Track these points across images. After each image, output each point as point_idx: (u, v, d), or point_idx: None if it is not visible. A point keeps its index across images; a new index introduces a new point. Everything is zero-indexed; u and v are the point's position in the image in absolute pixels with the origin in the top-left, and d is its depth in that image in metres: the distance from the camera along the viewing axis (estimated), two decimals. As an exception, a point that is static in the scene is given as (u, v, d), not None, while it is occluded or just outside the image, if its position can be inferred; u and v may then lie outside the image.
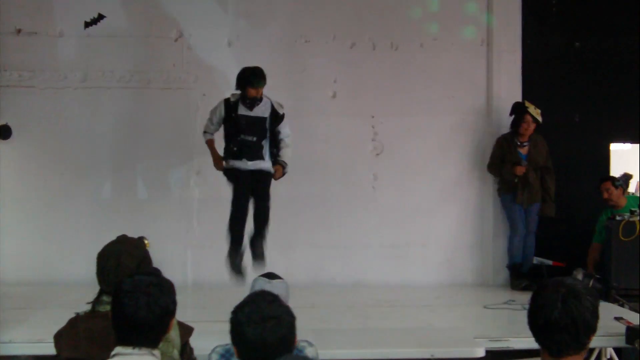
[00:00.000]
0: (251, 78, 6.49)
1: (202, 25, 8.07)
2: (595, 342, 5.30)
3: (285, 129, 6.71)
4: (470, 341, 5.40)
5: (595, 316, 2.57)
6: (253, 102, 6.54)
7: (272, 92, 7.60)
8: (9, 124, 7.73)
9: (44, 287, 7.28)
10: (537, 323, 2.58)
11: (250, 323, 2.59)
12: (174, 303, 2.86)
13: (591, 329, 2.56)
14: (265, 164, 6.63)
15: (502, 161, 7.83)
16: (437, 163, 8.23)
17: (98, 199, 7.88)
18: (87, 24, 7.94)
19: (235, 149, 6.56)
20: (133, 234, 3.67)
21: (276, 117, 6.65)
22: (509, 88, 8.22)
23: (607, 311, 6.23)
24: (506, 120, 8.00)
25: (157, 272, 3.31)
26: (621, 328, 5.48)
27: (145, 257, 3.49)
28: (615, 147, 8.61)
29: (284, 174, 6.71)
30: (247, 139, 6.56)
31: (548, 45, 8.41)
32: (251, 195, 6.62)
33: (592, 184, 7.86)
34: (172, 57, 8.04)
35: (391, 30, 8.23)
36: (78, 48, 7.94)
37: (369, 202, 8.17)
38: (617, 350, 6.10)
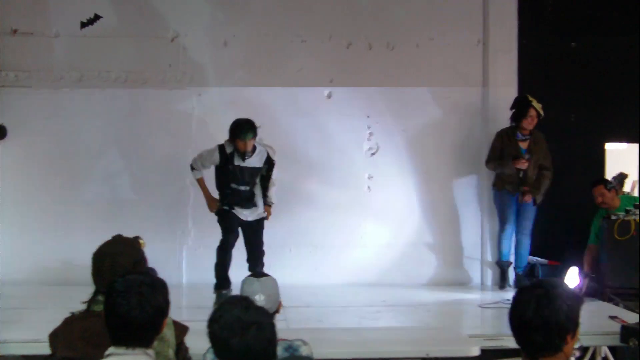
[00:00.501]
0: (238, 131, 6.48)
1: (198, 25, 8.08)
2: (590, 340, 5.35)
3: (274, 173, 6.81)
4: (465, 340, 5.41)
5: (570, 319, 2.55)
6: (244, 155, 6.54)
7: (269, 92, 7.66)
8: (5, 124, 7.72)
9: (39, 287, 7.29)
10: (513, 323, 2.59)
11: (233, 334, 2.55)
12: (166, 303, 2.85)
13: (565, 331, 2.54)
14: (259, 211, 6.76)
15: (501, 156, 7.70)
16: (432, 163, 8.25)
17: (94, 199, 7.88)
18: (83, 25, 7.94)
19: (228, 198, 6.63)
20: (128, 233, 3.67)
21: (271, 165, 6.74)
22: (505, 88, 8.23)
23: (602, 310, 6.29)
24: (502, 120, 8.01)
25: (152, 272, 3.31)
26: (616, 327, 5.50)
27: (140, 257, 3.48)
28: (610, 147, 8.63)
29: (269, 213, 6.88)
30: (240, 189, 6.62)
31: (544, 45, 8.43)
32: (245, 243, 6.74)
33: (587, 183, 7.86)
34: (168, 57, 8.04)
35: (387, 30, 8.25)
36: (74, 48, 7.94)
37: (364, 202, 8.18)
38: (612, 349, 6.11)
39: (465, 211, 8.27)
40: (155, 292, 2.80)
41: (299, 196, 7.95)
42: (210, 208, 6.80)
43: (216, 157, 6.60)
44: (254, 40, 8.11)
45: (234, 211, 6.65)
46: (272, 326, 2.63)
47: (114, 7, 7.98)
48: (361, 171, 8.20)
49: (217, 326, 2.60)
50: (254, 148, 6.60)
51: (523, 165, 7.56)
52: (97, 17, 7.95)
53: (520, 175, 7.62)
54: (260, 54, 8.09)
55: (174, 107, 8.04)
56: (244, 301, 2.71)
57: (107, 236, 3.56)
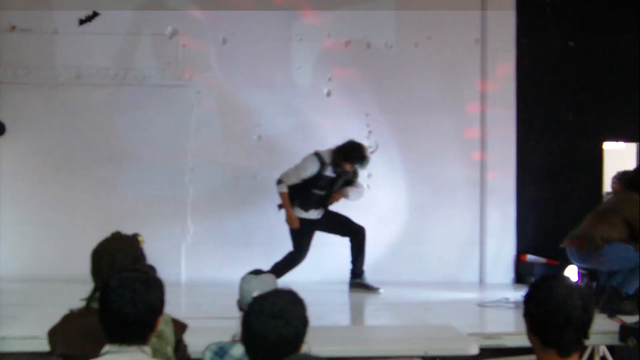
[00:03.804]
0: (355, 157, 6.92)
1: (197, 22, 8.07)
2: (588, 339, 5.34)
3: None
4: (464, 338, 5.40)
5: None
6: (342, 173, 6.98)
7: (268, 90, 7.64)
8: (4, 121, 7.71)
9: (38, 284, 7.27)
10: (556, 321, 2.58)
11: (259, 315, 2.57)
12: (161, 301, 2.84)
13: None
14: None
15: None
16: (431, 161, 8.25)
17: (93, 195, 7.87)
18: (82, 22, 7.92)
19: (306, 202, 6.97)
20: (127, 230, 3.67)
21: (355, 174, 7.22)
22: (503, 87, 8.23)
23: (601, 309, 6.25)
24: (501, 118, 8.03)
25: (152, 270, 3.31)
26: (614, 326, 5.51)
27: (139, 254, 3.48)
28: (608, 146, 8.63)
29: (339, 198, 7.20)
30: (319, 194, 7.01)
31: (542, 44, 8.42)
32: (339, 233, 7.28)
33: (585, 182, 7.86)
34: (166, 55, 8.04)
35: (385, 29, 8.24)
36: (72, 45, 7.92)
37: (364, 200, 8.15)
38: (610, 348, 6.11)
39: (463, 209, 8.27)
40: (149, 290, 2.79)
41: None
42: (293, 224, 6.98)
43: (314, 169, 6.90)
44: (252, 38, 8.10)
45: (308, 216, 7.02)
46: (297, 331, 2.61)
47: (112, 5, 7.96)
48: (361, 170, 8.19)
49: (256, 304, 2.64)
50: None
51: None
52: (95, 14, 7.94)
53: None
54: (259, 52, 8.08)
55: (172, 105, 8.02)
56: (291, 296, 2.71)
57: (107, 233, 3.56)
